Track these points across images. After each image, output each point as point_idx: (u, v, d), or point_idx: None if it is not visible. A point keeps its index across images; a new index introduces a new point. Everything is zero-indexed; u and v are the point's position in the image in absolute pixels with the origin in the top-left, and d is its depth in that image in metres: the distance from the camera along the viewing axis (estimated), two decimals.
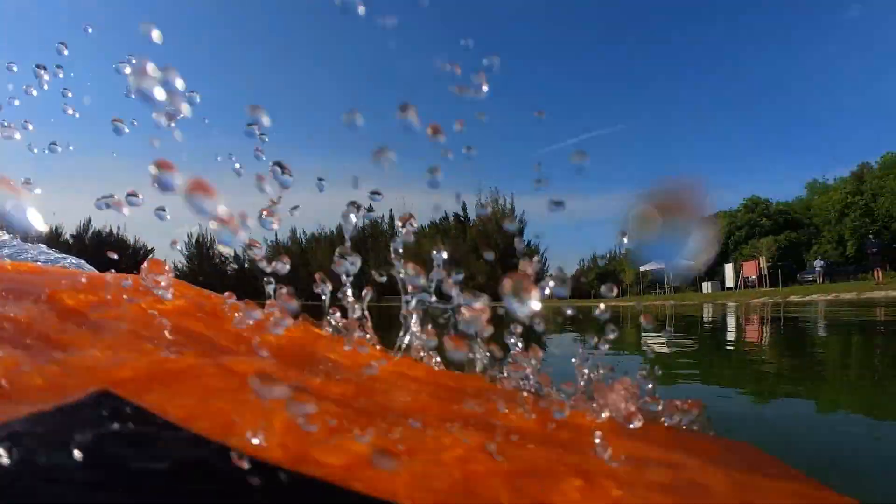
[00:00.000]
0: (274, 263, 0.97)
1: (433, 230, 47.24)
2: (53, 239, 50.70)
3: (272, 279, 0.99)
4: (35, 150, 1.67)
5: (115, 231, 52.15)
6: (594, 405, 0.91)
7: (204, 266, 53.36)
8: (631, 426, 0.84)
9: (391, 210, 53.85)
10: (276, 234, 57.00)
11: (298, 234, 56.38)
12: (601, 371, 1.02)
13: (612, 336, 1.03)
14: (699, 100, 66.48)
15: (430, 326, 1.10)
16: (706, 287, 28.48)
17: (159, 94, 0.69)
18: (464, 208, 47.64)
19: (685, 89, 68.13)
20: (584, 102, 71.32)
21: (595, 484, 0.53)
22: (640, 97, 69.68)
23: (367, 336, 1.13)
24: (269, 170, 0.86)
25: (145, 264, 0.90)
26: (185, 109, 0.75)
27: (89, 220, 51.48)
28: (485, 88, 0.91)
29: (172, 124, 0.79)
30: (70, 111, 1.77)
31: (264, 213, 0.86)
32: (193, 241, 54.73)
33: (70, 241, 50.73)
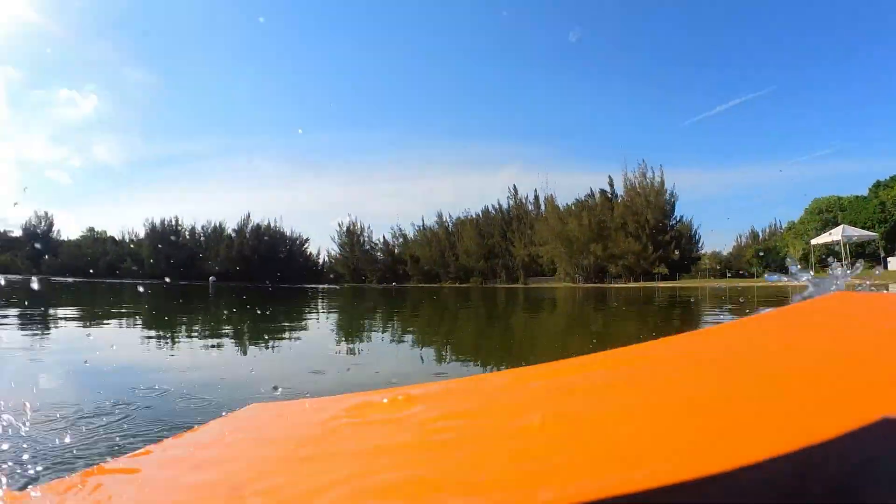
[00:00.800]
0: None
1: (579, 208, 47.03)
2: (217, 234, 58.99)
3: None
4: None
5: (272, 224, 59.47)
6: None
7: (356, 253, 59.27)
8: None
9: (535, 190, 55.00)
10: (422, 219, 59.70)
11: (445, 218, 59.40)
12: None
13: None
14: (869, 56, 57.09)
15: None
16: (892, 263, 26.38)
17: None
18: (610, 184, 46.90)
19: (854, 44, 58.71)
20: (727, 64, 65.51)
21: None
22: (794, 53, 61.94)
23: None
24: None
25: None
26: None
27: (248, 215, 59.11)
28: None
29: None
30: None
31: None
32: (345, 229, 60.09)
33: (232, 235, 58.24)
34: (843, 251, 27.98)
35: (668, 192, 45.42)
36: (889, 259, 27.16)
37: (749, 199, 67.22)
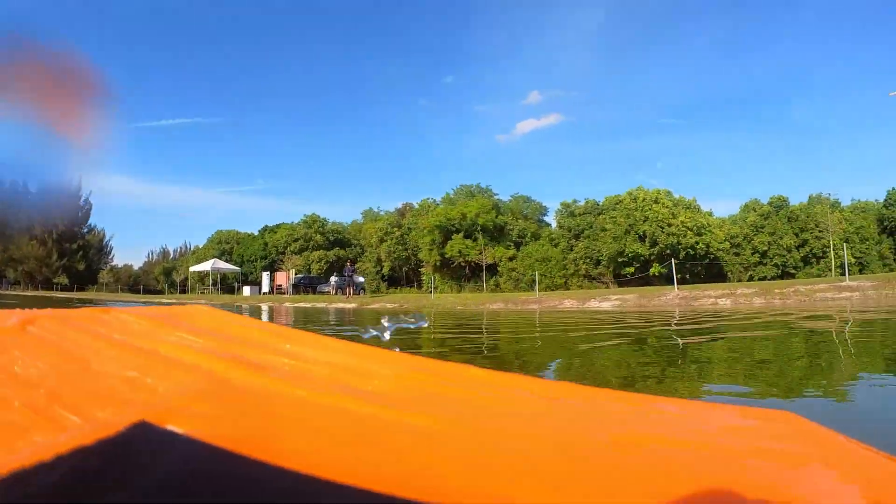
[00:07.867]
0: None
1: None
2: None
3: None
4: None
5: None
6: None
7: None
8: None
9: None
10: None
11: None
12: None
13: None
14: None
15: None
16: (246, 291, 32.48)
17: None
18: None
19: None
20: (185, 84, 68.89)
21: None
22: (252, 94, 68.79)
23: None
24: None
25: None
26: None
27: None
28: None
29: None
30: None
31: None
32: None
33: None
34: (210, 278, 33.76)
35: (84, 197, 42.41)
36: (245, 287, 33.80)
37: (174, 216, 70.52)
